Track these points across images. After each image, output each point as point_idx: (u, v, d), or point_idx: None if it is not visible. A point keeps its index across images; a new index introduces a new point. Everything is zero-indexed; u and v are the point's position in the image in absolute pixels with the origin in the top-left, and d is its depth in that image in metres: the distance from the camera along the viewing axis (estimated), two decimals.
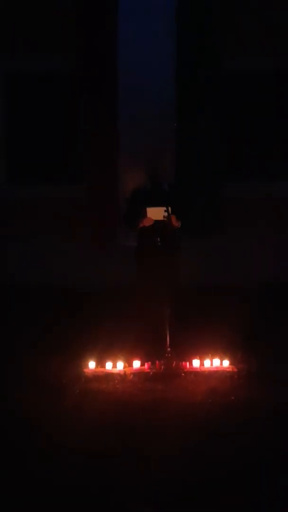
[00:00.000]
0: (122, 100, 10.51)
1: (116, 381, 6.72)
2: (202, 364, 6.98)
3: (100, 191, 10.55)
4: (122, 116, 10.54)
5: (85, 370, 6.92)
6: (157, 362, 6.93)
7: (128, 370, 6.90)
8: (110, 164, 10.55)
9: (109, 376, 6.81)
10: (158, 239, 7.08)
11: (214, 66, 10.49)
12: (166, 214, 6.99)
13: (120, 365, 6.95)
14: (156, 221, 7.07)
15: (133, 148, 10.21)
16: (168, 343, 6.94)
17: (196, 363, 6.98)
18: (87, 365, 6.96)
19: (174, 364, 6.91)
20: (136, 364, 6.97)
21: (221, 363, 7.00)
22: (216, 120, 10.51)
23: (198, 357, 7.02)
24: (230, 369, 6.94)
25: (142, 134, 10.24)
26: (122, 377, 6.79)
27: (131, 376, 6.81)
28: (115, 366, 6.95)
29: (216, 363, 7.01)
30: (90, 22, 10.46)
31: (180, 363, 6.94)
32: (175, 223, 7.11)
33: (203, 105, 10.42)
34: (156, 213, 7.05)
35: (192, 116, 10.46)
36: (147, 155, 7.60)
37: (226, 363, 7.01)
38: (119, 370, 6.90)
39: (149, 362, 6.96)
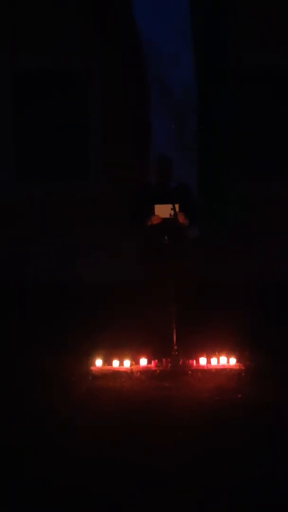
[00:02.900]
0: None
1: (123, 379, 6.72)
2: (209, 362, 6.97)
3: (119, 189, 10.55)
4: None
5: (92, 368, 6.92)
6: (163, 360, 6.92)
7: (134, 368, 6.90)
8: (130, 161, 10.50)
9: (116, 374, 6.80)
10: (166, 237, 7.06)
11: (231, 61, 10.45)
12: (172, 212, 6.97)
13: (127, 363, 6.94)
14: (164, 219, 7.06)
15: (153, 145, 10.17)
16: (174, 341, 6.93)
17: (203, 361, 6.96)
18: (94, 363, 6.96)
19: (181, 362, 6.90)
20: (143, 362, 6.97)
21: (228, 361, 6.99)
22: (233, 118, 10.46)
23: (205, 355, 7.00)
24: (237, 367, 6.93)
25: (160, 131, 10.22)
26: (128, 375, 6.79)
27: (138, 374, 6.81)
28: (122, 364, 6.95)
29: (223, 361, 6.99)
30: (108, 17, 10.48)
31: (187, 361, 6.93)
32: (183, 221, 7.09)
33: (220, 101, 10.38)
34: (164, 211, 7.04)
35: (210, 112, 10.41)
36: (156, 153, 7.60)
37: (233, 361, 6.99)
38: (126, 368, 6.90)
39: (156, 360, 6.95)
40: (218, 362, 6.98)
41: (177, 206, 6.98)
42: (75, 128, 10.97)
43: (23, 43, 10.75)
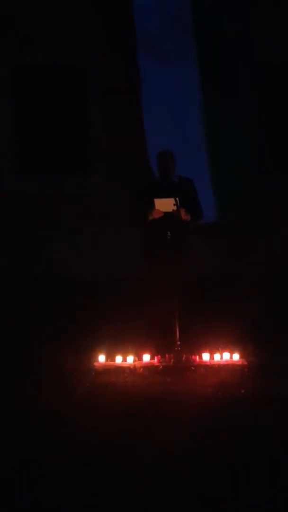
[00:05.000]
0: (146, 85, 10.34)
1: (126, 374, 6.72)
2: (212, 357, 6.97)
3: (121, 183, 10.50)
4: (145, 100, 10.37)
5: (95, 363, 6.92)
6: (166, 355, 6.92)
7: (138, 364, 6.90)
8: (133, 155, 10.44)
9: (119, 369, 6.81)
10: (168, 232, 7.04)
11: (251, 52, 10.33)
12: (175, 207, 6.95)
13: (130, 359, 6.95)
14: (166, 213, 7.03)
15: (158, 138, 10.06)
16: (177, 336, 6.92)
17: (206, 356, 6.96)
18: (97, 358, 6.96)
19: (183, 358, 6.90)
20: (146, 357, 6.97)
21: (231, 357, 6.99)
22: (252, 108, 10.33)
23: (208, 351, 7.00)
24: (240, 363, 6.92)
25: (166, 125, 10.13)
26: (132, 370, 6.79)
27: (141, 369, 6.81)
28: (125, 359, 6.95)
29: (226, 356, 6.99)
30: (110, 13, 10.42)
31: (190, 356, 6.93)
32: (184, 216, 7.07)
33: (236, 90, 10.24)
34: (165, 205, 7.00)
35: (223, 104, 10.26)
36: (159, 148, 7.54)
37: (236, 356, 6.99)
38: (129, 364, 6.90)
39: (159, 356, 6.95)
40: (221, 357, 6.98)
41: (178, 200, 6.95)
42: (76, 121, 10.94)
43: (24, 36, 10.70)
